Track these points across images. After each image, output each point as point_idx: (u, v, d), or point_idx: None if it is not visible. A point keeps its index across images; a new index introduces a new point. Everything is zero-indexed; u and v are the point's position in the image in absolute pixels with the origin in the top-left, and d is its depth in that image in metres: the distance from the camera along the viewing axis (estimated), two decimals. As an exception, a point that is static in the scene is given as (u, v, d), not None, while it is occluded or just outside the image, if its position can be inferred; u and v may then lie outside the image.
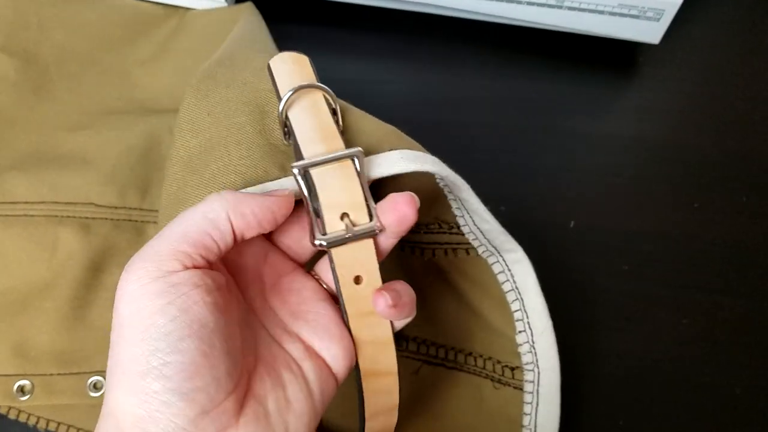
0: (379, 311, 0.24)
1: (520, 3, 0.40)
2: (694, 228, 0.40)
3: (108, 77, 0.42)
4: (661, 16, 0.39)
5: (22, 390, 0.33)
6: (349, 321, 0.25)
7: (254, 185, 0.26)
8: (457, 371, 0.34)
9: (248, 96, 0.29)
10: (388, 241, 0.25)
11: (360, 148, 0.25)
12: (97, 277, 0.35)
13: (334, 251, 0.24)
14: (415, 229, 0.33)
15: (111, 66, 0.42)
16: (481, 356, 0.34)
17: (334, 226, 0.24)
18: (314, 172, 0.24)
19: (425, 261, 0.34)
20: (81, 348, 0.34)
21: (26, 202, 0.36)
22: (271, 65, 0.28)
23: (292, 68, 0.27)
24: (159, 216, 0.29)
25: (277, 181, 0.26)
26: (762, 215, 0.40)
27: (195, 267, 0.21)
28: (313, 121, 0.26)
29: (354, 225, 0.24)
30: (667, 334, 0.37)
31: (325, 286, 0.27)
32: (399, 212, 0.24)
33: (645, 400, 0.36)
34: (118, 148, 0.38)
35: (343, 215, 0.24)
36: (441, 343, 0.35)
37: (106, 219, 0.36)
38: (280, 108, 0.26)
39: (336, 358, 0.24)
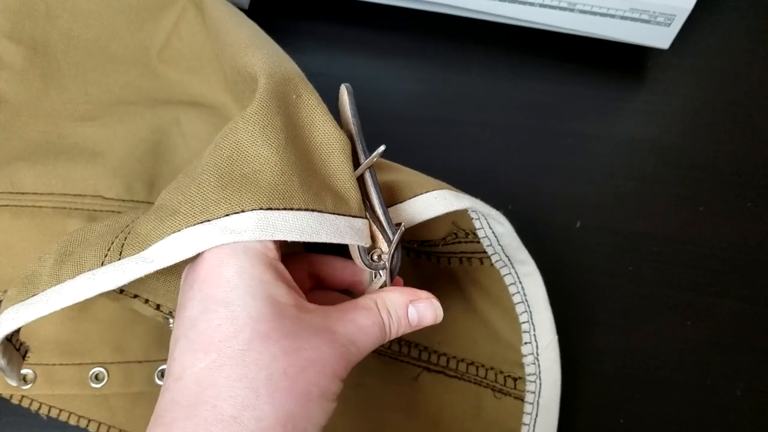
0: None
1: (532, 5, 0.40)
2: (699, 231, 0.40)
3: (113, 65, 0.41)
4: (672, 22, 0.40)
5: (24, 379, 0.34)
6: None
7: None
8: (457, 380, 0.35)
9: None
10: None
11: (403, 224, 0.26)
12: (103, 269, 0.35)
13: None
14: (434, 243, 0.34)
15: (116, 54, 0.41)
16: (483, 366, 0.35)
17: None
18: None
19: (440, 268, 0.35)
20: (84, 339, 0.34)
21: (35, 193, 0.35)
22: (345, 95, 0.28)
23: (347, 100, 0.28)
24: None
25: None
26: (766, 220, 0.41)
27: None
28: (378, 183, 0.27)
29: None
30: (670, 335, 0.38)
31: None
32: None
33: (646, 399, 0.36)
34: (126, 141, 0.38)
35: None
36: (443, 351, 0.35)
37: (114, 212, 0.36)
38: (362, 168, 0.26)
39: None
